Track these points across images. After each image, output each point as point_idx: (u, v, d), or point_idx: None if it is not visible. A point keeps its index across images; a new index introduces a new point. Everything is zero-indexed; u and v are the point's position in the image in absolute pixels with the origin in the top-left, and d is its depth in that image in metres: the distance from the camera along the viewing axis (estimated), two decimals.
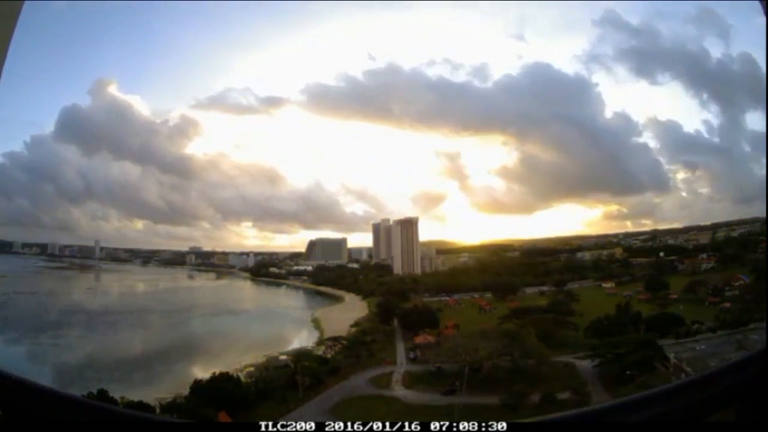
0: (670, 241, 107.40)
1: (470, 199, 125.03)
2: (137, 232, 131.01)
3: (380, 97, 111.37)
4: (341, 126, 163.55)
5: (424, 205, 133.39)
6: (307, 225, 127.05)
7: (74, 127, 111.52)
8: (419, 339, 73.51)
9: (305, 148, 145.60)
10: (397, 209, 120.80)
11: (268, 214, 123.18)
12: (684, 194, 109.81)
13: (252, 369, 68.54)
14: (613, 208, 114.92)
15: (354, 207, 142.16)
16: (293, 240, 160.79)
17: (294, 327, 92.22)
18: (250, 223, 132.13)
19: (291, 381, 61.18)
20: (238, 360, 71.60)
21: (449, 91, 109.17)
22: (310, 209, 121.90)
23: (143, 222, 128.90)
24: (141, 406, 49.21)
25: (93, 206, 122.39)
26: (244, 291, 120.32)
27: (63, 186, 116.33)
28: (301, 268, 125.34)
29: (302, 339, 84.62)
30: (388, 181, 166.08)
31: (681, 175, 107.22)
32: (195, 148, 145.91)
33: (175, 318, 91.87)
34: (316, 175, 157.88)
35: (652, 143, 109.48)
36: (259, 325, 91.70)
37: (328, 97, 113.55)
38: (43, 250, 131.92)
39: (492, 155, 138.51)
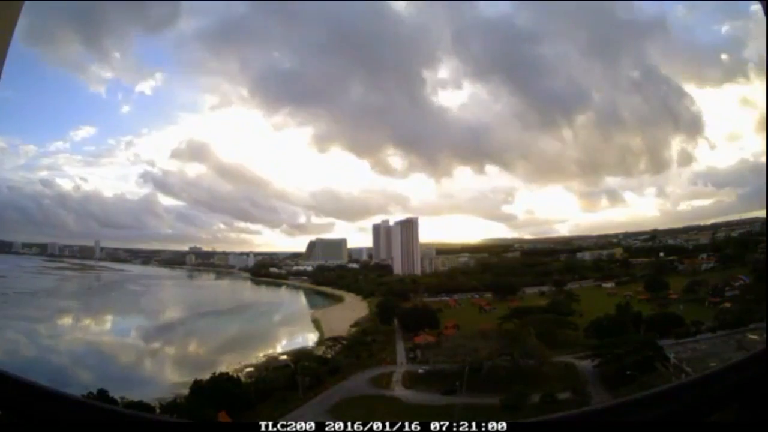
0: (670, 241, 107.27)
1: None
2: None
3: None
4: None
5: None
6: None
7: None
8: (419, 339, 73.50)
9: None
10: None
11: None
12: None
13: (252, 369, 68.54)
14: None
15: None
16: (293, 240, 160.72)
17: None
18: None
19: (291, 381, 61.13)
20: None
21: None
22: None
23: None
24: (141, 406, 49.19)
25: None
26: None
27: None
28: (301, 268, 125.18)
29: None
30: None
31: None
32: None
33: None
34: None
35: None
36: None
37: None
38: (42, 250, 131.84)
39: None
